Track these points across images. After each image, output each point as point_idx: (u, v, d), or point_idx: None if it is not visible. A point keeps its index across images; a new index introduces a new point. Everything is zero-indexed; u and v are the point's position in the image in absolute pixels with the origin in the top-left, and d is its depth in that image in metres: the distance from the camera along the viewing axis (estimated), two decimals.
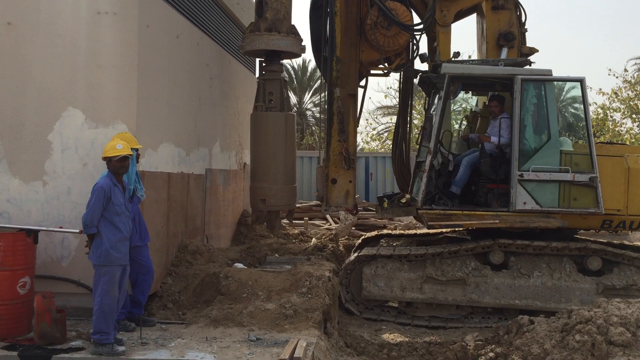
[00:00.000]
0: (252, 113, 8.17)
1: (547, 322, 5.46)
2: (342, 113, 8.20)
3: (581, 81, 7.58)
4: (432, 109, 8.22)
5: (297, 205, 15.36)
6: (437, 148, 7.69)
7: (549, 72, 7.60)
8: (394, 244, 8.67)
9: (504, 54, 8.35)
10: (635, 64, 36.41)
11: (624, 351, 4.74)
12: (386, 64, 8.55)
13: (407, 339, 6.43)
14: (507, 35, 8.34)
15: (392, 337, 6.71)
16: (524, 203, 7.41)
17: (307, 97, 40.72)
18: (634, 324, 5.01)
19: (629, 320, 5.02)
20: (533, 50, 8.52)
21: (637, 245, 8.60)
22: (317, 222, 13.75)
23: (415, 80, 8.91)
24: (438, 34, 8.32)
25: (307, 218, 13.45)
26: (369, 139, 29.20)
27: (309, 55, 58.50)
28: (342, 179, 8.21)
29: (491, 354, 5.29)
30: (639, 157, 7.72)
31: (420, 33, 8.22)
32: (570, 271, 7.44)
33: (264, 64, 8.23)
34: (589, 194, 7.45)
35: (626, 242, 9.14)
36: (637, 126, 21.59)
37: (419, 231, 9.83)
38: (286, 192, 8.05)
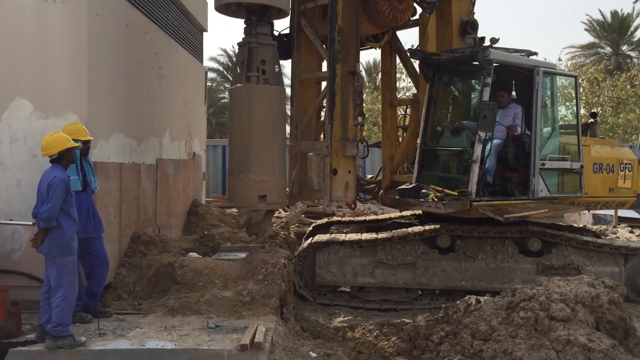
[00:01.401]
0: (240, 86, 6.66)
1: (493, 301, 5.75)
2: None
3: (575, 77, 8.62)
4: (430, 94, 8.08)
5: None
6: (486, 136, 7.39)
7: (554, 66, 8.13)
8: (345, 231, 8.87)
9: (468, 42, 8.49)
10: (569, 52, 37.78)
11: (564, 325, 5.07)
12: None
13: (360, 322, 6.63)
14: (473, 24, 8.32)
15: (346, 320, 6.91)
16: (541, 190, 7.78)
17: None
18: (573, 300, 5.35)
19: (569, 296, 5.36)
20: (494, 40, 8.56)
21: (573, 226, 9.11)
22: None
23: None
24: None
25: None
26: None
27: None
28: (342, 169, 7.38)
29: (442, 333, 5.54)
30: (601, 147, 8.68)
31: (431, 10, 8.01)
32: (512, 253, 7.82)
33: (248, 24, 6.87)
34: (576, 181, 8.19)
35: (562, 224, 9.65)
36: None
37: (368, 217, 10.08)
38: (284, 186, 7.06)
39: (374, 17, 7.66)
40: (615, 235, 12.88)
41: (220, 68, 39.21)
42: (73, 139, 5.29)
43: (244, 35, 6.78)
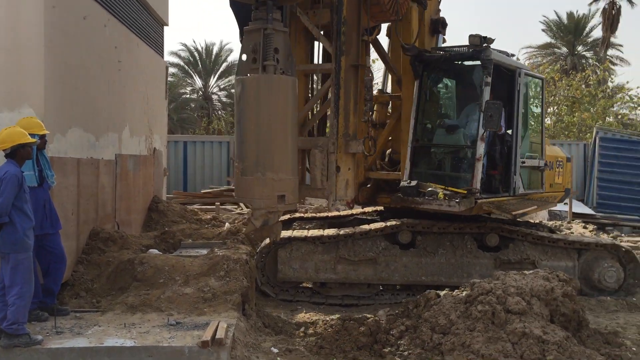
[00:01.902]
0: (257, 76, 5.97)
1: (452, 295, 5.86)
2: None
3: (542, 79, 8.95)
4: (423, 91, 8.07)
5: (209, 191, 15.34)
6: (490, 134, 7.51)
7: (527, 68, 8.51)
8: (307, 227, 8.89)
9: (441, 41, 8.60)
10: (527, 52, 38.59)
11: (520, 318, 5.20)
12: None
13: (322, 317, 6.67)
14: (443, 23, 8.39)
15: (307, 316, 6.94)
16: (519, 188, 7.99)
17: (212, 80, 40.15)
18: (529, 293, 5.49)
19: (524, 290, 5.51)
20: (490, 40, 8.56)
21: (529, 222, 9.34)
22: (228, 207, 13.77)
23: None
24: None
25: (218, 203, 13.43)
26: None
27: (213, 37, 57.61)
28: (344, 166, 7.10)
29: (402, 327, 5.63)
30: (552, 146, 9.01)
31: (425, 6, 7.99)
32: (471, 248, 7.96)
33: (260, 9, 6.14)
34: (539, 177, 8.58)
35: (519, 220, 9.88)
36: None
37: (330, 214, 10.12)
38: (297, 185, 6.45)
39: (374, 9, 7.48)
40: (569, 231, 13.27)
41: (182, 63, 38.78)
42: (29, 134, 5.17)
43: (253, 20, 6.14)
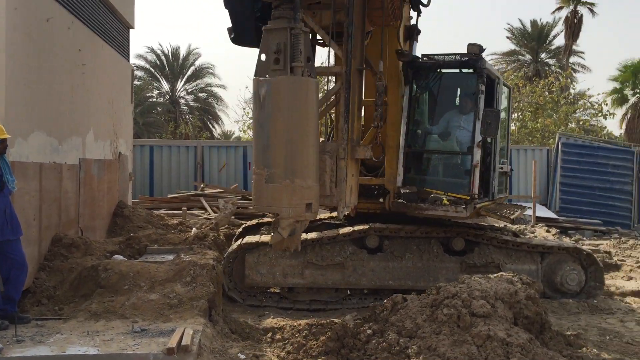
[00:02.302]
0: (286, 77, 5.63)
1: (418, 299, 5.90)
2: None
3: (510, 89, 9.27)
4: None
5: (175, 195, 15.18)
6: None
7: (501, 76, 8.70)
8: None
9: (415, 48, 8.66)
10: (491, 59, 39.21)
11: (485, 321, 5.27)
12: None
13: (290, 322, 6.65)
14: (418, 30, 8.40)
15: (275, 321, 6.90)
16: (496, 192, 8.22)
17: (179, 84, 39.82)
18: (493, 296, 5.57)
19: (489, 293, 5.58)
20: (482, 49, 8.58)
21: (494, 226, 9.48)
22: (195, 212, 13.64)
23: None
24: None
25: (185, 208, 13.30)
26: (246, 128, 29.14)
27: (180, 40, 56.95)
28: (349, 172, 6.86)
29: (369, 331, 5.64)
30: None
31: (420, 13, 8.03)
32: (438, 252, 8.05)
33: (286, 8, 5.85)
34: (505, 182, 8.91)
35: (484, 224, 10.02)
36: None
37: None
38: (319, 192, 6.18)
39: (374, 13, 7.38)
40: (533, 235, 13.51)
41: (148, 66, 38.35)
42: None
43: (274, 19, 5.85)
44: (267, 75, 5.66)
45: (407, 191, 7.70)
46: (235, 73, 79.54)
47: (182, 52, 39.20)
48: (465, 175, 7.80)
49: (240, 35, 7.21)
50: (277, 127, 5.58)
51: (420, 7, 8.29)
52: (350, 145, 6.80)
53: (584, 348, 5.64)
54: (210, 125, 40.24)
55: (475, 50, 7.76)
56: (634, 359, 5.64)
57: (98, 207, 9.27)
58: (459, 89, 8.47)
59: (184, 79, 39.54)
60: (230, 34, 7.35)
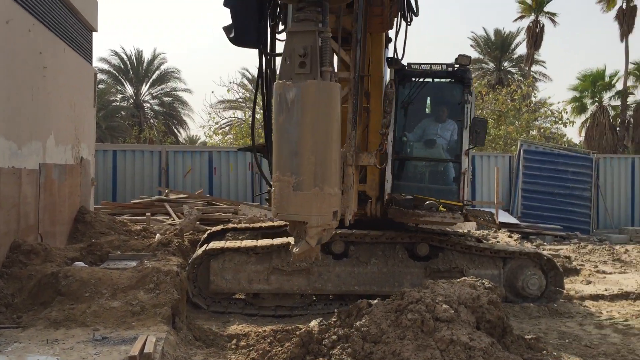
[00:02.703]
0: (316, 82, 5.46)
1: (383, 305, 5.93)
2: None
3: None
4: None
5: (139, 201, 14.96)
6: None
7: None
8: (240, 238, 8.81)
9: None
10: (456, 67, 39.78)
11: (448, 326, 5.33)
12: None
13: (255, 329, 6.62)
14: (389, 38, 8.45)
15: (240, 327, 6.87)
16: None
17: (144, 88, 39.35)
18: (456, 301, 5.64)
19: (452, 298, 5.65)
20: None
21: (458, 231, 9.61)
22: (159, 218, 13.47)
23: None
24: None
25: (149, 213, 13.11)
26: (211, 133, 28.94)
27: (144, 44, 56.44)
28: (355, 179, 6.76)
29: (334, 337, 5.64)
30: None
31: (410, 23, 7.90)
32: (403, 257, 8.11)
33: (313, 10, 5.63)
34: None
35: (448, 230, 10.14)
36: None
37: (264, 224, 10.07)
38: None
39: (373, 21, 7.34)
40: (495, 240, 13.74)
41: (112, 70, 37.79)
42: None
43: (299, 21, 5.61)
44: (291, 79, 5.40)
45: (404, 198, 7.79)
46: (201, 77, 78.93)
47: (147, 55, 38.77)
48: (454, 182, 8.12)
49: (241, 35, 7.08)
50: (307, 132, 5.38)
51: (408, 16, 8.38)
52: (355, 152, 6.73)
53: (544, 351, 5.75)
54: (175, 130, 39.85)
55: (466, 62, 8.01)
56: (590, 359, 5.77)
57: (59, 212, 9.07)
58: (445, 98, 8.71)
59: (149, 83, 39.09)
60: (228, 34, 7.18)
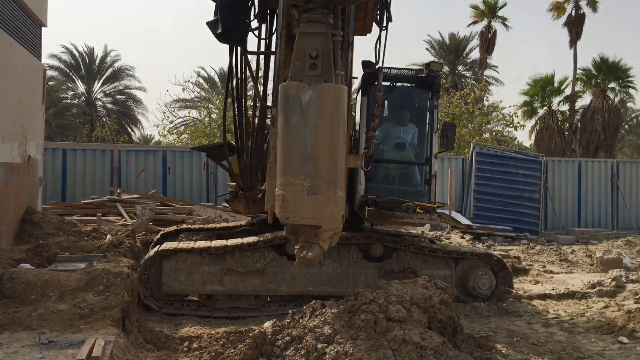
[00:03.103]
0: (332, 85, 5.41)
1: (337, 305, 5.94)
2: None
3: None
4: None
5: (90, 201, 14.62)
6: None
7: None
8: (194, 238, 8.71)
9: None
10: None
11: (401, 326, 5.38)
12: None
13: (207, 331, 6.54)
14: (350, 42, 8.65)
15: (192, 330, 6.78)
16: None
17: (96, 86, 38.49)
18: (409, 301, 5.70)
19: (405, 298, 5.71)
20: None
21: (412, 232, 9.73)
22: (111, 218, 13.19)
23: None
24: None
25: (100, 214, 12.82)
26: (166, 132, 28.52)
27: (99, 41, 55.12)
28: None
29: (287, 338, 5.62)
30: None
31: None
32: (357, 258, 8.16)
33: (324, 12, 5.55)
34: None
35: (403, 230, 10.27)
36: None
37: (218, 225, 9.98)
38: None
39: (355, 24, 7.32)
40: (448, 241, 13.97)
41: (62, 66, 36.82)
42: None
43: (309, 22, 5.53)
44: (300, 81, 5.35)
45: (382, 200, 7.88)
46: (156, 76, 77.72)
47: (100, 52, 37.94)
48: (425, 185, 8.41)
49: (229, 31, 7.02)
50: (323, 136, 5.34)
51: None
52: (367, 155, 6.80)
53: (493, 349, 5.87)
54: (129, 129, 39.11)
55: (438, 69, 8.32)
56: (539, 359, 5.92)
57: (4, 213, 8.78)
58: (413, 103, 8.95)
59: (102, 81, 38.25)
60: (214, 29, 7.10)
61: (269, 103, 7.62)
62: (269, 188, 6.85)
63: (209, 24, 7.10)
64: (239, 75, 7.77)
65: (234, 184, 9.09)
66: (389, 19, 7.76)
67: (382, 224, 8.16)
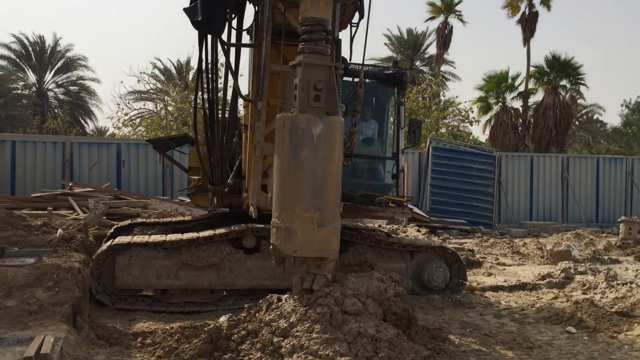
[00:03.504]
0: (337, 119, 5.56)
1: (293, 299, 5.94)
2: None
3: None
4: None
5: (40, 195, 14.22)
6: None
7: None
8: (149, 233, 8.58)
9: None
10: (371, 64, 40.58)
11: (356, 318, 5.42)
12: None
13: (162, 326, 6.45)
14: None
15: (146, 325, 6.68)
16: None
17: (48, 76, 37.45)
18: (364, 294, 5.75)
19: (360, 291, 5.75)
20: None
21: (368, 226, 9.80)
22: (62, 212, 12.87)
23: None
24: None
25: (51, 208, 12.49)
26: (120, 125, 27.94)
27: (50, 30, 53.57)
28: None
29: (243, 332, 5.60)
30: None
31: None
32: None
33: (312, 43, 5.63)
34: None
35: (360, 224, 10.34)
36: None
37: (174, 219, 9.86)
38: None
39: (341, 18, 7.33)
40: (404, 235, 14.14)
41: (12, 56, 35.67)
42: None
43: (311, 53, 5.62)
44: (304, 112, 5.43)
45: (356, 194, 7.93)
46: (110, 67, 75.98)
47: (52, 42, 36.91)
48: (393, 179, 8.70)
49: (208, 20, 6.89)
50: (334, 169, 5.49)
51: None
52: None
53: (446, 340, 5.97)
54: (82, 121, 38.20)
55: (406, 66, 8.60)
56: (490, 348, 6.05)
57: None
58: (379, 99, 9.13)
59: (53, 71, 37.23)
60: (192, 17, 6.93)
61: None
62: (253, 183, 6.88)
63: (186, 10, 6.96)
64: (209, 68, 7.64)
65: (197, 177, 8.99)
66: (362, 15, 7.84)
67: (356, 218, 8.28)
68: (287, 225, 5.45)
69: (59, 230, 9.84)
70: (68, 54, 37.28)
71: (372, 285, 5.88)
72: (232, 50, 7.86)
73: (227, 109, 7.96)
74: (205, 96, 7.75)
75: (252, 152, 7.93)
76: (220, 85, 7.84)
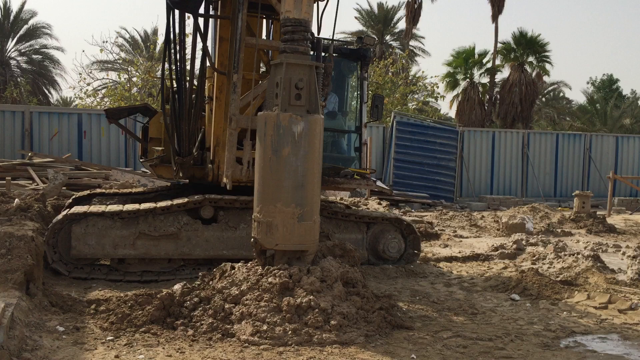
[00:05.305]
0: (320, 117, 5.84)
1: (246, 267, 6.08)
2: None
3: None
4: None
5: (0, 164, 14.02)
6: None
7: None
8: (108, 203, 8.57)
9: None
10: (341, 39, 40.42)
11: (314, 294, 5.57)
12: None
13: (117, 294, 6.52)
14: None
15: (102, 293, 6.74)
16: None
17: (10, 44, 36.45)
18: (334, 278, 5.87)
19: (330, 275, 5.89)
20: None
21: (327, 198, 9.95)
22: (21, 182, 12.73)
23: None
24: None
25: (9, 178, 12.34)
26: (83, 95, 27.46)
27: None
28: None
29: (196, 299, 5.72)
30: None
31: None
32: None
33: (295, 42, 5.83)
34: None
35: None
36: None
37: (134, 190, 9.86)
38: None
39: None
40: (366, 207, 14.36)
41: None
42: None
43: (293, 53, 5.80)
44: (285, 110, 5.64)
45: (325, 167, 7.99)
46: (75, 36, 74.08)
47: (15, 7, 35.85)
48: (355, 152, 8.93)
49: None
50: (314, 166, 5.77)
51: None
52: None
53: (395, 307, 6.18)
54: (46, 91, 37.39)
55: (372, 42, 8.72)
56: (436, 314, 6.29)
57: None
58: (342, 73, 9.22)
59: (15, 39, 36.23)
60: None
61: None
62: (228, 155, 7.02)
63: None
64: (177, 39, 7.61)
65: (160, 148, 8.97)
66: None
67: (323, 189, 8.43)
68: (269, 220, 5.76)
69: (16, 200, 9.76)
70: (31, 21, 36.32)
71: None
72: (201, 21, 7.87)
73: (195, 80, 7.94)
74: (173, 67, 7.74)
75: (217, 124, 8.01)
76: (188, 57, 7.81)
